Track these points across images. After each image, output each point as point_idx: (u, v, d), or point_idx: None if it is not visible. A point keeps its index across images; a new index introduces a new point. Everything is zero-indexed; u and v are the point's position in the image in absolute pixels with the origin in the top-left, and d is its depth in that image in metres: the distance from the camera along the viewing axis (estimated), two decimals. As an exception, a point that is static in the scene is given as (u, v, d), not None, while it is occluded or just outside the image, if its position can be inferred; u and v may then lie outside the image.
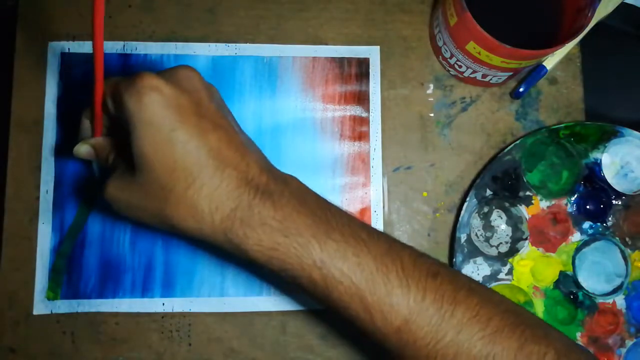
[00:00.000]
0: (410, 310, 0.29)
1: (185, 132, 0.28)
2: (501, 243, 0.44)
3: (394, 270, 0.29)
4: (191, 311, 0.43)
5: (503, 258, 0.43)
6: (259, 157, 0.31)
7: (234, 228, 0.29)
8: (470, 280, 0.31)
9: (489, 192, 0.43)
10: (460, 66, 0.43)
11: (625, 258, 0.43)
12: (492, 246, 0.44)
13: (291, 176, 0.32)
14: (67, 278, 0.43)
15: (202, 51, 0.45)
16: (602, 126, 0.44)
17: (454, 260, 0.42)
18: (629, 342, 0.42)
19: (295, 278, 0.30)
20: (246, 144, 0.31)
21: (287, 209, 0.29)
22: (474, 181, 0.44)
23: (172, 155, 0.28)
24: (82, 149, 0.34)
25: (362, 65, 0.46)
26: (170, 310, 0.43)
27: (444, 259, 0.45)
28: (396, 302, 0.29)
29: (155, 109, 0.28)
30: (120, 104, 0.29)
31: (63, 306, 0.42)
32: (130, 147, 0.29)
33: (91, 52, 0.44)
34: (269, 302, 0.43)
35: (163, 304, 0.43)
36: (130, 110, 0.28)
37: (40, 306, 0.42)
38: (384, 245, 0.30)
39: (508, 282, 0.43)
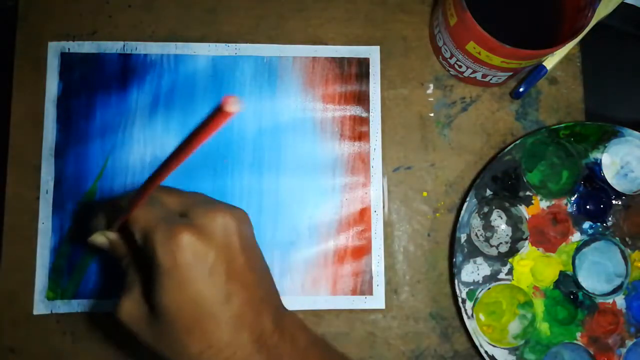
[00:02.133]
0: None
1: (211, 296, 0.28)
2: (501, 243, 0.44)
3: None
4: (191, 311, 0.43)
5: (503, 258, 0.43)
6: (273, 305, 0.31)
7: None
8: None
9: (489, 192, 0.43)
10: (460, 66, 0.43)
11: (625, 258, 0.43)
12: (492, 246, 0.44)
13: (299, 327, 0.32)
14: (67, 278, 0.43)
15: (202, 51, 0.45)
16: (602, 126, 0.44)
17: (454, 260, 0.42)
18: (629, 342, 0.42)
19: None
20: (264, 296, 0.30)
21: None
22: (474, 181, 0.44)
23: (193, 315, 0.28)
24: (99, 239, 0.33)
25: (362, 65, 0.46)
26: (170, 310, 0.43)
27: (444, 259, 0.45)
28: None
29: (185, 269, 0.27)
30: (151, 248, 0.28)
31: (63, 306, 0.42)
32: (152, 289, 0.28)
33: (91, 52, 0.45)
34: (269, 302, 0.43)
35: (163, 304, 0.43)
36: (160, 261, 0.27)
37: (40, 306, 0.42)
38: None
39: (508, 282, 0.43)
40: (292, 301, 0.43)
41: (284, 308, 0.32)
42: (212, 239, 0.28)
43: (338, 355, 0.34)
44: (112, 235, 0.32)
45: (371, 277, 0.44)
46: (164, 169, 0.24)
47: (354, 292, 0.43)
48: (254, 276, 0.30)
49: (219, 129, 0.20)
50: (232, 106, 0.18)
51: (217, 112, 0.19)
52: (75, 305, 0.42)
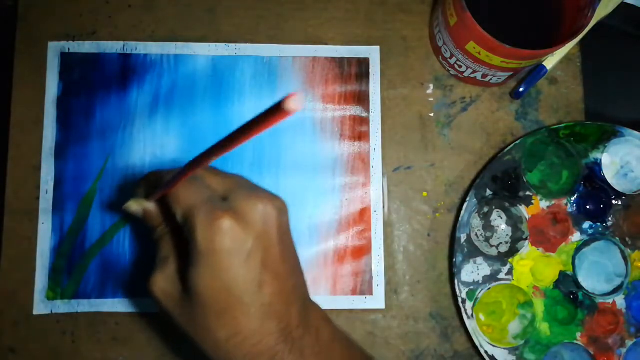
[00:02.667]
0: None
1: (244, 283, 0.28)
2: (501, 243, 0.44)
3: None
4: (191, 311, 0.43)
5: (503, 258, 0.43)
6: (302, 297, 0.31)
7: None
8: None
9: (489, 192, 0.43)
10: (460, 66, 0.43)
11: (625, 258, 0.43)
12: (492, 246, 0.44)
13: (324, 320, 0.32)
14: (67, 278, 0.43)
15: (202, 51, 0.45)
16: (602, 126, 0.44)
17: (454, 260, 0.42)
18: (629, 342, 0.42)
19: None
20: (294, 288, 0.30)
21: None
22: (474, 181, 0.44)
23: (225, 301, 0.28)
24: (134, 207, 0.33)
25: (362, 65, 0.46)
26: (170, 310, 0.43)
27: (444, 259, 0.45)
28: None
29: (222, 254, 0.27)
30: (191, 229, 0.28)
31: (63, 306, 0.42)
32: (188, 269, 0.28)
33: (91, 52, 0.45)
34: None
35: (163, 304, 0.43)
36: (198, 243, 0.27)
37: (40, 306, 0.42)
38: None
39: (508, 282, 0.43)
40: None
41: (311, 300, 0.32)
42: (252, 226, 0.28)
43: (359, 349, 0.34)
44: (149, 205, 0.33)
45: (371, 277, 0.44)
46: (213, 153, 0.23)
47: (354, 292, 0.43)
48: (287, 267, 0.30)
49: (275, 125, 0.19)
50: (294, 104, 0.17)
51: (277, 109, 0.18)
52: (75, 305, 0.42)
